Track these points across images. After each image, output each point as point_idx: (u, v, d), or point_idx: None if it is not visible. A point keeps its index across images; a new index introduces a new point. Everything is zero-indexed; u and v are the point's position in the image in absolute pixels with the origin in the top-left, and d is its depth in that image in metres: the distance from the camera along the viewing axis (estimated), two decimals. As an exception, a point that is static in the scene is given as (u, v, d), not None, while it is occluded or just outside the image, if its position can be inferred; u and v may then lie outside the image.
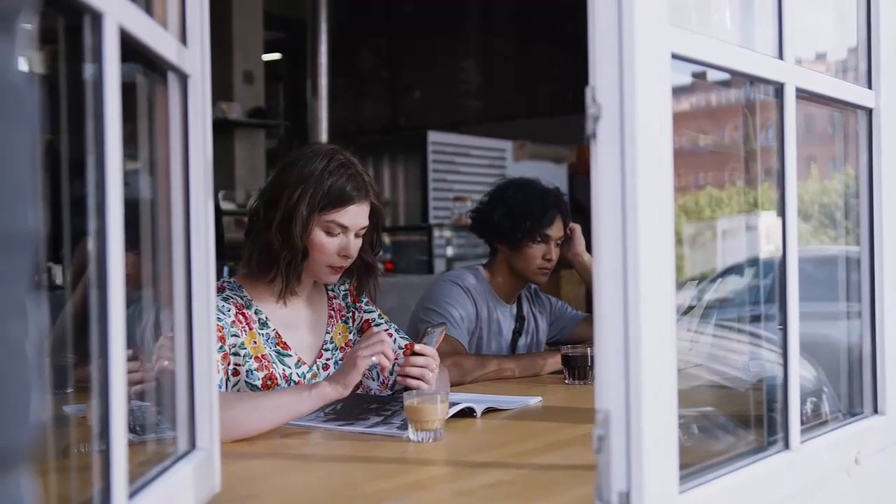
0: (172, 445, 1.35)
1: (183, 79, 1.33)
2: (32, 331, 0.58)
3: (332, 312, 2.37)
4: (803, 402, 1.62)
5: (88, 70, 1.01)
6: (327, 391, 1.96)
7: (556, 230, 3.00)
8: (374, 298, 2.40)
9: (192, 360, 1.36)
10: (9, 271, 0.55)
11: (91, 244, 1.01)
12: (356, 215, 2.19)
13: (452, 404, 2.02)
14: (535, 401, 2.34)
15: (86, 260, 1.09)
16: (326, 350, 2.32)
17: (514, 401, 2.30)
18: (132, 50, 1.11)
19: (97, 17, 0.98)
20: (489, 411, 2.17)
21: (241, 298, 2.21)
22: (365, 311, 2.41)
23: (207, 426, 1.37)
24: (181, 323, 1.36)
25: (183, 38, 1.33)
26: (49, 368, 0.65)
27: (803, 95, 1.57)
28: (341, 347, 2.34)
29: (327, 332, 2.33)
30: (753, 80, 1.56)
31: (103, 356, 1.00)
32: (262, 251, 2.19)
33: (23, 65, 0.58)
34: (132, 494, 1.08)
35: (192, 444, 1.36)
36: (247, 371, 2.14)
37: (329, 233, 2.18)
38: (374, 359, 1.96)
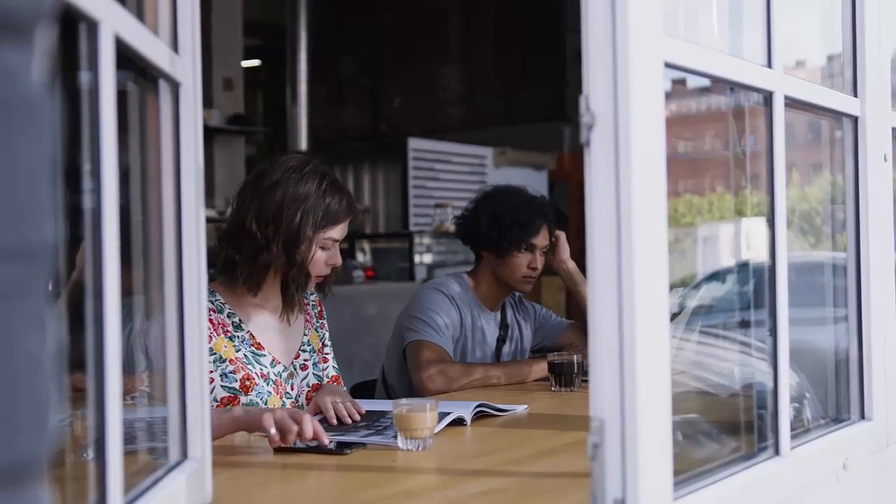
0: (163, 455, 1.34)
1: (175, 87, 1.33)
2: (50, 342, 0.57)
3: (308, 317, 2.45)
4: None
5: (83, 77, 1.00)
6: (238, 415, 1.93)
7: (541, 239, 3.00)
8: (326, 295, 2.45)
9: (184, 371, 1.35)
10: (28, 283, 0.55)
11: (86, 252, 1.00)
12: (345, 228, 2.32)
13: (442, 414, 2.02)
14: (521, 409, 2.34)
15: (73, 267, 1.08)
16: (304, 351, 2.40)
17: (503, 407, 2.29)
18: (124, 57, 1.10)
19: (93, 25, 0.97)
20: (480, 417, 2.17)
21: (213, 303, 2.25)
22: (325, 329, 2.52)
23: (199, 436, 1.36)
24: (172, 333, 1.35)
25: (175, 47, 1.33)
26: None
27: (790, 103, 1.58)
28: (317, 350, 2.44)
29: (304, 335, 2.41)
30: (743, 89, 1.57)
31: (98, 366, 0.99)
32: (263, 270, 2.24)
33: (40, 76, 0.58)
34: (126, 505, 1.08)
35: (184, 455, 1.35)
36: (222, 375, 2.19)
37: (323, 248, 2.28)
38: (272, 431, 1.81)
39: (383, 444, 1.90)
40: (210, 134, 7.26)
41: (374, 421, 2.11)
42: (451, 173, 8.12)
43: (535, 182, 7.40)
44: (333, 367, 2.50)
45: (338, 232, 2.29)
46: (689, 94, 1.70)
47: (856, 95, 1.82)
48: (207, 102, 7.22)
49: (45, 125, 0.57)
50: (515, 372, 2.84)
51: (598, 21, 1.16)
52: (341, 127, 10.16)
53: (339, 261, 2.32)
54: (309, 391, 2.35)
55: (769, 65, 1.51)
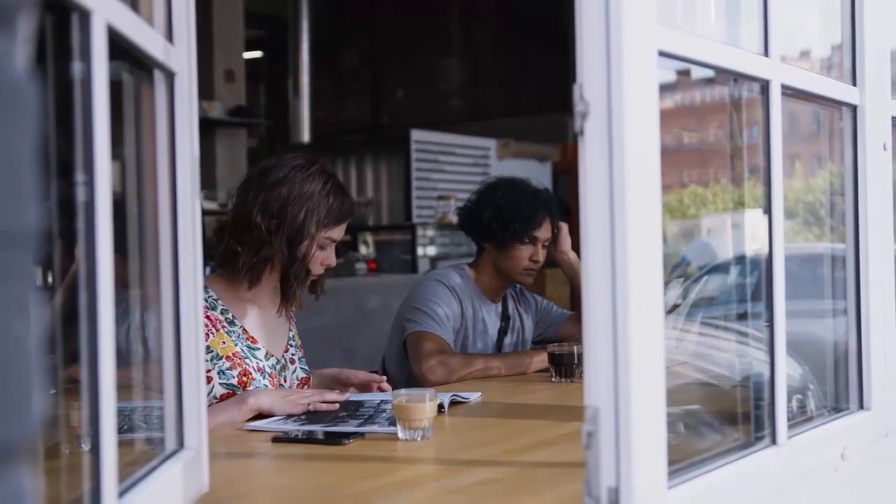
0: (160, 444, 1.34)
1: (170, 77, 1.33)
2: (34, 327, 0.58)
3: (291, 315, 2.49)
4: (789, 400, 1.63)
5: (76, 68, 1.00)
6: (258, 403, 2.11)
7: (544, 232, 3.00)
8: (318, 295, 2.48)
9: (180, 360, 1.35)
10: (12, 267, 0.56)
11: (79, 245, 1.00)
12: (343, 230, 2.37)
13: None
14: (475, 396, 2.37)
15: (72, 260, 1.09)
16: (291, 345, 2.45)
17: (464, 395, 2.34)
18: (118, 48, 1.10)
19: (85, 15, 0.97)
20: (479, 409, 2.19)
21: (206, 300, 2.27)
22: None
23: (195, 426, 1.37)
24: (168, 323, 1.35)
25: (169, 36, 1.33)
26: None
27: (788, 92, 1.57)
28: (300, 346, 2.49)
29: (290, 330, 2.47)
30: (739, 77, 1.56)
31: (92, 356, 0.99)
32: (263, 263, 2.27)
33: (23, 63, 0.58)
34: (121, 494, 1.08)
35: (181, 444, 1.35)
36: (219, 372, 2.22)
37: (321, 247, 2.32)
38: (310, 407, 2.12)
39: (381, 432, 1.90)
40: (212, 126, 7.26)
41: (354, 411, 2.12)
42: (454, 165, 8.11)
43: (538, 174, 7.40)
44: (302, 368, 2.51)
45: (337, 233, 2.33)
46: (694, 84, 1.70)
47: (855, 84, 1.81)
48: (209, 94, 7.22)
49: (27, 112, 0.58)
50: (516, 363, 2.84)
51: (592, 9, 1.15)
52: (343, 119, 10.17)
53: (333, 262, 2.37)
54: (298, 384, 2.39)
55: (766, 53, 1.51)
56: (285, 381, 2.37)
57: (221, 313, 2.29)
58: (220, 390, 2.20)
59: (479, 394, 2.40)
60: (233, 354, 2.24)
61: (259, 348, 2.32)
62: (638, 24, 1.17)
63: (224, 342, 2.25)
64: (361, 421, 2.01)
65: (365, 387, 2.41)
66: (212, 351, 2.21)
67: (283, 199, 2.25)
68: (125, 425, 1.36)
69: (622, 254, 1.15)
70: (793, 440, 1.54)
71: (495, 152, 8.27)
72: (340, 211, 2.31)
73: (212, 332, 2.23)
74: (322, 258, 2.33)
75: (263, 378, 2.27)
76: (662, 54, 1.24)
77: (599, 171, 1.16)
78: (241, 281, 2.29)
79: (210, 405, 2.16)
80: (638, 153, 1.16)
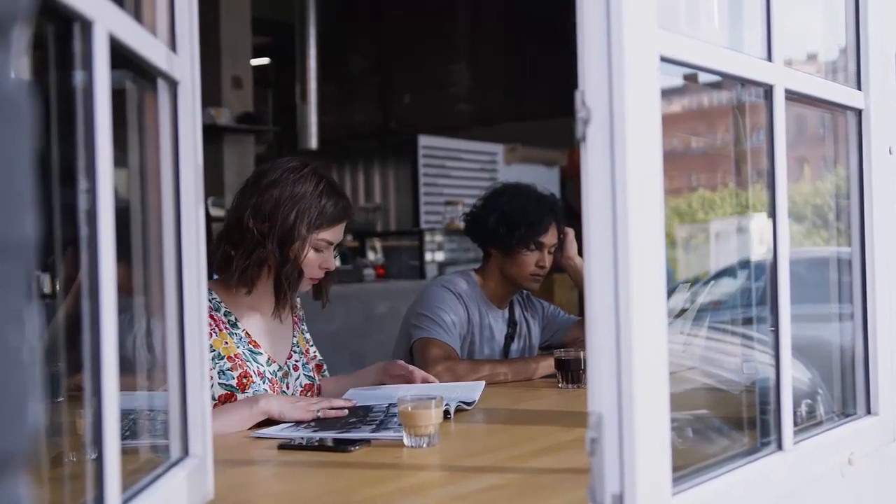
0: (165, 452, 1.35)
1: (173, 85, 1.33)
2: (29, 337, 0.58)
3: (296, 320, 2.49)
4: (798, 405, 1.63)
5: (78, 77, 1.01)
6: (268, 406, 2.09)
7: (550, 237, 3.00)
8: (324, 303, 2.47)
9: (185, 368, 1.35)
10: (7, 278, 0.56)
11: (82, 252, 1.00)
12: (341, 232, 2.36)
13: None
14: (479, 387, 2.40)
15: (76, 268, 1.09)
16: (295, 352, 2.44)
17: (467, 386, 2.37)
18: (121, 57, 1.10)
19: (87, 25, 0.98)
20: (459, 411, 2.20)
21: (210, 301, 2.27)
22: (306, 332, 2.55)
23: (200, 433, 1.37)
24: (173, 331, 1.35)
25: (172, 45, 1.33)
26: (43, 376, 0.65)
27: (792, 97, 1.57)
28: (304, 352, 2.47)
29: (294, 336, 2.45)
30: (743, 82, 1.56)
31: (95, 364, 1.00)
32: (257, 266, 2.27)
33: (19, 73, 0.58)
34: (125, 502, 1.08)
35: (185, 451, 1.35)
36: (219, 372, 2.22)
37: (317, 249, 2.31)
38: (319, 414, 2.12)
39: (396, 438, 1.89)
40: (219, 133, 7.25)
41: (364, 416, 2.12)
42: (461, 170, 8.11)
43: (546, 179, 7.40)
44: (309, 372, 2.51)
45: (331, 234, 2.31)
46: (702, 88, 1.69)
47: (860, 88, 1.81)
48: (216, 101, 7.21)
49: (23, 123, 0.58)
50: (522, 369, 2.83)
51: (593, 15, 1.15)
52: (351, 124, 10.15)
53: (332, 265, 2.35)
54: (301, 391, 2.39)
55: (769, 58, 1.50)
56: (288, 387, 2.36)
57: (225, 315, 2.29)
58: (219, 390, 2.21)
59: (483, 383, 2.42)
60: (234, 355, 2.25)
61: (261, 353, 2.32)
62: (639, 28, 1.17)
63: (226, 342, 2.25)
64: (374, 427, 2.01)
65: (407, 379, 2.43)
66: (214, 350, 2.21)
67: (274, 202, 2.25)
68: (128, 431, 1.36)
69: (624, 259, 1.15)
70: (799, 445, 1.54)
71: (503, 157, 8.27)
72: (334, 212, 2.30)
73: (214, 332, 2.23)
74: (319, 261, 2.31)
75: (263, 382, 2.27)
76: (664, 59, 1.24)
77: (601, 177, 1.16)
78: (238, 285, 2.28)
79: (214, 405, 2.16)
80: (640, 158, 1.16)
